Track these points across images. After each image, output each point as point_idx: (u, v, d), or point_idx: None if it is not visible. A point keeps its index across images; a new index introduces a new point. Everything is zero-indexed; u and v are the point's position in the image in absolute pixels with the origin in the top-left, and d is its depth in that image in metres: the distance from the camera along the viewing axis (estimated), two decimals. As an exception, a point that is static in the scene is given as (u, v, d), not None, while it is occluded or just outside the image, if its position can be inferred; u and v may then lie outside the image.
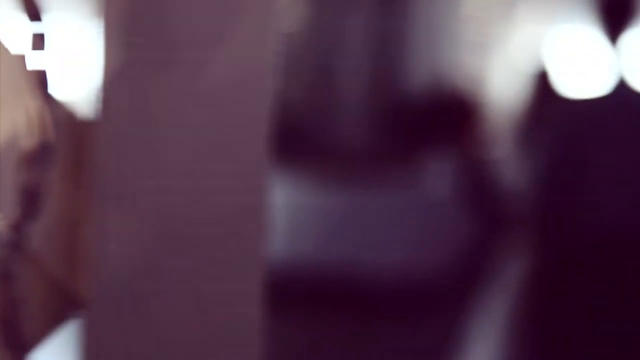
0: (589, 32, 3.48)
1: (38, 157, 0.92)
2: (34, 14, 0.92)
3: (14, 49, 0.94)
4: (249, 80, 1.01)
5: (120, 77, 0.99)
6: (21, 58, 0.93)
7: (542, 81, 4.01)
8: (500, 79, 10.03)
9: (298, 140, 8.96)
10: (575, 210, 3.45)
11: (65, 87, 1.00)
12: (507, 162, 4.29)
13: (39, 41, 0.92)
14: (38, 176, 0.92)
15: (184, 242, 1.01)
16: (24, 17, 0.92)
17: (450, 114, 9.06)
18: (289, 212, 7.40)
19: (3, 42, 0.95)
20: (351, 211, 7.33)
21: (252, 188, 1.04)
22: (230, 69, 1.00)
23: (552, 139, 3.48)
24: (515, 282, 3.86)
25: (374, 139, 9.95)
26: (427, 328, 6.00)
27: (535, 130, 3.64)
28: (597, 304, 3.44)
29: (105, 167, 0.99)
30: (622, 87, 3.45)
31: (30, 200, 0.92)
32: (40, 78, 0.94)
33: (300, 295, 7.02)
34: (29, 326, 0.85)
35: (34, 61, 0.91)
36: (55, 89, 0.94)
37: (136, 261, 0.98)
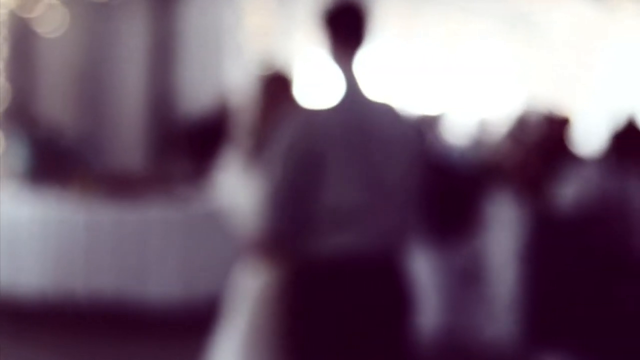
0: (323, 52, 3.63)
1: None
2: None
3: None
4: None
5: None
6: None
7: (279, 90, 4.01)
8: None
9: (66, 157, 8.64)
10: (311, 221, 3.35)
11: None
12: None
13: None
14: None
15: None
16: None
17: (230, 129, 8.95)
18: (55, 229, 7.11)
19: None
20: (120, 229, 7.08)
21: None
22: None
23: (291, 148, 3.39)
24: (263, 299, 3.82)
25: (148, 156, 9.71)
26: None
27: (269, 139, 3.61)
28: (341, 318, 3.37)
29: None
30: (353, 99, 3.50)
31: None
32: None
33: (62, 320, 6.80)
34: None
35: None
36: None
37: None
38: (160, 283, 6.88)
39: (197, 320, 6.89)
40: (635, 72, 11.88)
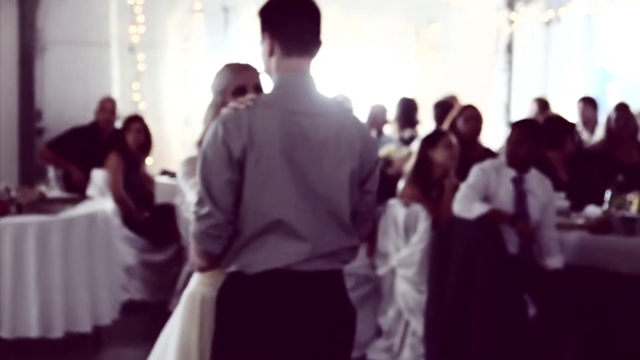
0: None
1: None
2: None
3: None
4: None
5: None
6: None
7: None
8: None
9: None
10: (239, 229, 3.23)
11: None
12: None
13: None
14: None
15: None
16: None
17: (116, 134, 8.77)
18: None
19: None
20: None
21: None
22: None
23: (205, 152, 3.23)
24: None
25: (20, 166, 9.37)
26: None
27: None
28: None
29: None
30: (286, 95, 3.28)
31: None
32: None
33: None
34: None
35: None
36: None
37: None
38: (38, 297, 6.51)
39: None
40: (535, 69, 12.10)
